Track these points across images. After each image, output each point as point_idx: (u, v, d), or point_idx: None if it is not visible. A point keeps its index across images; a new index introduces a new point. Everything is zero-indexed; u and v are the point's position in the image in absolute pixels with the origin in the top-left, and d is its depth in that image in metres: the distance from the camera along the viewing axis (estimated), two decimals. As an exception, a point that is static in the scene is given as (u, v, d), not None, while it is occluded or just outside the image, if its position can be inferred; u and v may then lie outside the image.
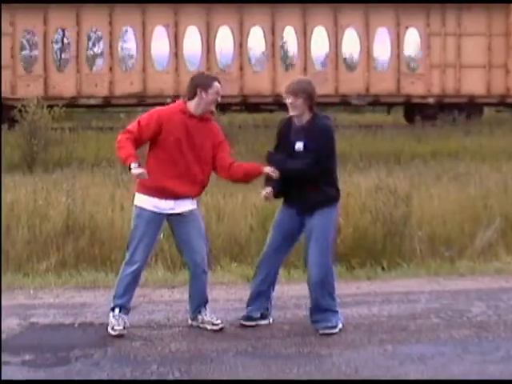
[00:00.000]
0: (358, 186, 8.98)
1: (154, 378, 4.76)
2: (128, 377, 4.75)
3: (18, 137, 16.35)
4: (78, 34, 23.01)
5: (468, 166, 13.68)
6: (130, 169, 5.32)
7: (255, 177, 5.74)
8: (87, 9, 22.67)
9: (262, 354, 5.15)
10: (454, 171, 12.55)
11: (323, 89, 22.02)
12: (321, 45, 25.39)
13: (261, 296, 5.80)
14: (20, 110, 16.15)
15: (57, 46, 29.98)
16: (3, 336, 5.50)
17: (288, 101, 5.59)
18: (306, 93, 5.55)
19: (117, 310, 5.62)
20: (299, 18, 23.52)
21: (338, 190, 5.72)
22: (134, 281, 5.66)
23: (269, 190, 5.67)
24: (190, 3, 22.94)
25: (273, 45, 23.68)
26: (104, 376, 4.77)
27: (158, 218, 5.57)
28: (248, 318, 5.78)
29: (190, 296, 5.79)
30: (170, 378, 4.75)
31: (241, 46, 23.48)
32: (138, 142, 5.47)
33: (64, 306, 6.33)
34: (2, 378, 4.71)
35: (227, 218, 8.52)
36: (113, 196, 9.28)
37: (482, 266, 7.72)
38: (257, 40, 24.92)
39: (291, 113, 5.63)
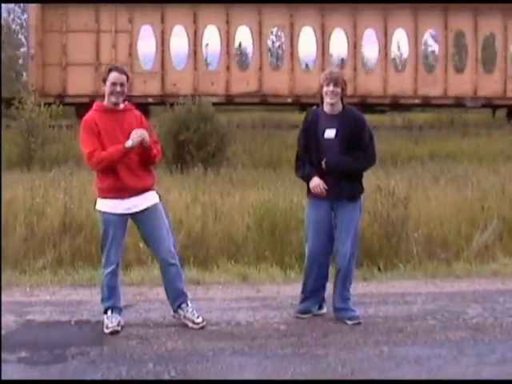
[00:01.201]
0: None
1: (149, 376, 4.76)
2: (124, 375, 4.75)
3: (16, 134, 16.34)
4: (196, 32, 23.24)
5: (465, 167, 13.69)
6: (131, 147, 5.42)
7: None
8: (204, 7, 23.02)
9: (258, 354, 5.15)
10: (451, 173, 12.55)
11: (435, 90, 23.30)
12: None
13: (316, 291, 5.98)
14: (17, 108, 16.14)
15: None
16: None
17: (329, 88, 5.75)
18: (343, 83, 5.81)
19: (109, 312, 5.67)
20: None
21: (362, 183, 5.95)
22: (114, 281, 5.72)
23: (320, 180, 5.78)
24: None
25: (385, 47, 23.97)
26: (99, 374, 4.76)
27: (124, 218, 5.63)
28: (306, 311, 5.99)
29: (165, 291, 5.85)
30: (166, 376, 4.75)
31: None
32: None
33: (60, 304, 6.32)
34: (2, 377, 4.70)
35: (224, 217, 8.51)
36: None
37: (478, 268, 7.72)
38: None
39: (330, 100, 5.78)
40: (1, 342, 5.28)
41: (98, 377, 4.73)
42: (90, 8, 22.31)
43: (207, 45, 25.49)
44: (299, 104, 23.65)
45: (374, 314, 6.12)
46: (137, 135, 5.44)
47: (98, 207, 5.68)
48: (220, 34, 23.37)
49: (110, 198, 5.57)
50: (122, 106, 5.65)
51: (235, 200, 9.16)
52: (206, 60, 25.45)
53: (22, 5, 30.78)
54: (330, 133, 5.78)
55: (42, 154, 15.60)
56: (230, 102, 23.59)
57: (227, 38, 23.42)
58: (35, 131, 16.00)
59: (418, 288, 7.01)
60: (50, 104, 16.78)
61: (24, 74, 26.18)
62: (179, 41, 24.32)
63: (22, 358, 5.00)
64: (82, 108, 21.85)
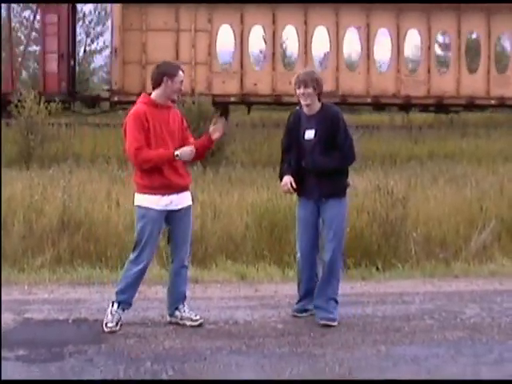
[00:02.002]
0: (354, 187, 8.97)
1: (147, 375, 4.76)
2: (121, 374, 4.75)
3: (15, 132, 16.32)
4: (274, 33, 23.34)
5: (464, 167, 13.71)
6: (177, 156, 5.47)
7: (209, 146, 5.85)
8: (282, 8, 23.07)
9: (256, 353, 5.15)
10: (450, 173, 12.58)
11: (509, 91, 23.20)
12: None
13: (312, 290, 5.95)
14: (16, 106, 16.13)
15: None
16: (-3, 331, 5.52)
17: (300, 91, 5.77)
18: (315, 82, 5.76)
19: (116, 305, 5.63)
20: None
21: (347, 180, 5.94)
22: (140, 279, 5.70)
23: (290, 179, 5.78)
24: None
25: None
26: (97, 372, 4.77)
27: (163, 215, 5.61)
28: (303, 310, 5.98)
29: (169, 291, 5.84)
30: (164, 375, 4.75)
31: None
32: (150, 147, 5.52)
33: (58, 302, 6.32)
34: (2, 377, 4.71)
35: (223, 216, 8.52)
36: (109, 192, 9.30)
37: (476, 268, 7.73)
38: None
39: (304, 102, 5.81)
40: (0, 341, 5.27)
41: (95, 375, 4.74)
42: (170, 7, 22.52)
43: (284, 45, 25.63)
44: (379, 104, 24.15)
45: (371, 313, 6.13)
46: (188, 155, 5.52)
47: (138, 202, 5.65)
48: (298, 35, 23.55)
49: (152, 193, 5.55)
50: (168, 102, 5.67)
51: (234, 199, 9.17)
52: (284, 60, 25.57)
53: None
54: (309, 134, 5.82)
55: (41, 152, 15.58)
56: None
57: (305, 39, 23.54)
58: (34, 129, 15.98)
59: (416, 288, 7.01)
60: (49, 102, 16.75)
61: (23, 71, 26.25)
62: (257, 40, 24.88)
63: (20, 356, 5.00)
64: None
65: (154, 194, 5.56)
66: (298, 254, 6.00)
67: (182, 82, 5.66)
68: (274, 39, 23.43)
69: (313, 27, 23.36)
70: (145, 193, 5.59)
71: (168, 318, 5.80)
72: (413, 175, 11.53)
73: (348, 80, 23.17)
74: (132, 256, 5.68)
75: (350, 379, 4.79)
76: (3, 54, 26.85)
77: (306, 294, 5.98)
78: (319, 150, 5.77)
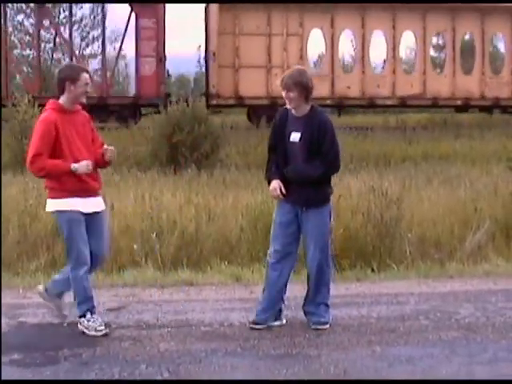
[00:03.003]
0: (348, 188, 9.00)
1: (142, 377, 4.75)
2: (116, 377, 4.74)
3: (8, 136, 16.29)
4: (363, 36, 23.91)
5: (458, 168, 13.74)
6: (74, 171, 5.41)
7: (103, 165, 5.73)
8: (371, 13, 23.63)
9: (251, 355, 5.15)
10: (444, 174, 12.60)
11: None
12: None
13: (276, 301, 5.78)
14: (11, 110, 16.10)
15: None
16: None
17: (284, 95, 5.61)
18: (299, 85, 5.54)
19: (88, 315, 5.56)
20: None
21: (331, 188, 5.77)
22: (88, 281, 5.64)
23: (279, 184, 5.64)
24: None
25: None
26: (92, 376, 4.76)
27: (83, 217, 5.56)
28: (262, 323, 5.73)
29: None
30: (159, 377, 4.75)
31: None
32: (51, 156, 5.46)
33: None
34: (2, 377, 4.71)
35: (217, 219, 8.51)
36: (103, 196, 9.24)
37: (471, 269, 7.74)
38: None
39: (288, 106, 5.64)
40: (1, 343, 5.28)
41: (90, 378, 4.72)
42: (262, 11, 23.03)
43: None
44: (468, 107, 24.74)
45: (366, 314, 6.13)
46: (85, 169, 5.44)
47: (57, 207, 5.53)
48: (386, 39, 24.07)
49: (69, 196, 5.48)
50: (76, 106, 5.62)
51: (228, 201, 9.17)
52: (371, 63, 25.99)
53: (15, 5, 30.72)
54: (294, 136, 5.60)
55: (35, 156, 15.53)
56: (402, 104, 24.42)
57: (393, 43, 24.06)
58: (28, 133, 15.93)
59: (410, 288, 7.02)
60: (43, 105, 16.75)
61: (17, 75, 26.24)
62: (347, 44, 25.66)
63: (15, 360, 4.99)
64: (255, 109, 22.79)
65: (72, 196, 5.49)
66: (270, 260, 5.79)
67: (87, 84, 5.53)
68: (363, 43, 23.99)
69: (400, 32, 24.20)
70: (62, 197, 5.49)
71: (45, 296, 5.92)
72: (407, 176, 11.55)
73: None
74: (71, 264, 5.59)
75: (346, 380, 4.79)
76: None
77: (269, 304, 5.74)
78: (303, 155, 5.57)
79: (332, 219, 5.89)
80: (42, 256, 7.63)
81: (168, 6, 23.36)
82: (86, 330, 5.51)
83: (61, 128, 5.43)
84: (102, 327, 5.52)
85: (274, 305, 5.77)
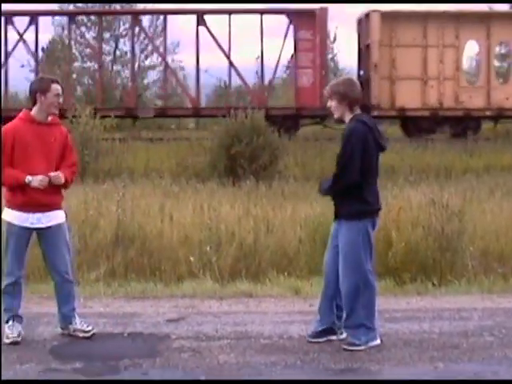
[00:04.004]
0: (408, 201, 8.88)
1: (202, 389, 4.74)
2: (176, 388, 4.73)
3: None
4: None
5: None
6: (27, 183, 5.41)
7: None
8: None
9: (311, 368, 5.09)
10: (507, 186, 12.33)
11: None
12: None
13: (328, 312, 5.66)
14: (71, 121, 16.39)
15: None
16: (54, 343, 5.56)
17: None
18: (338, 94, 5.49)
19: (10, 322, 5.60)
20: None
21: (366, 203, 5.48)
22: (15, 291, 5.63)
23: None
24: None
25: None
26: (152, 386, 4.77)
27: (28, 232, 5.57)
28: (317, 336, 5.67)
29: (58, 306, 5.78)
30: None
31: None
32: (11, 164, 5.48)
33: (113, 316, 6.36)
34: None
35: (276, 230, 8.48)
36: (162, 206, 9.34)
37: (536, 284, 7.53)
38: None
39: (334, 115, 5.63)
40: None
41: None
42: (419, 23, 23.37)
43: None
44: None
45: (428, 329, 6.00)
46: (38, 182, 5.43)
47: (4, 216, 5.60)
48: None
49: (16, 209, 5.52)
50: (49, 118, 5.63)
51: (287, 213, 9.14)
52: None
53: (77, 18, 31.31)
54: None
55: (95, 167, 15.79)
56: None
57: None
58: (89, 144, 16.21)
59: (473, 303, 6.86)
60: (104, 117, 17.02)
61: (78, 88, 26.79)
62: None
63: (77, 369, 5.03)
64: (413, 121, 23.17)
65: (18, 210, 5.51)
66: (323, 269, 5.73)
67: (57, 95, 5.54)
68: None
69: None
70: (9, 207, 5.54)
71: (60, 331, 5.78)
72: (468, 188, 11.32)
73: None
74: (3, 271, 5.63)
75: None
76: (57, 71, 27.36)
77: (323, 315, 5.64)
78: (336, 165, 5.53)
79: (370, 238, 5.53)
80: (102, 265, 7.71)
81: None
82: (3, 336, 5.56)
83: (20, 137, 5.48)
84: (14, 335, 5.52)
85: (327, 315, 5.67)
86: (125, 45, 27.84)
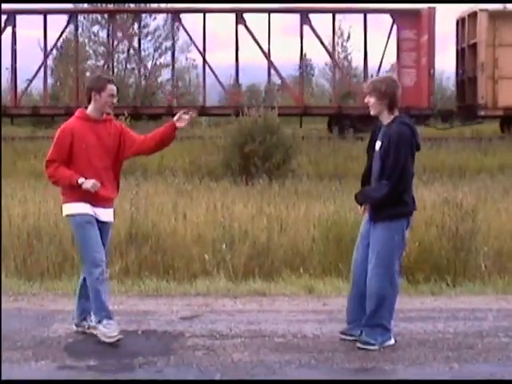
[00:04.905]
0: (422, 200, 8.84)
1: (216, 388, 4.74)
2: (190, 386, 4.74)
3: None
4: None
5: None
6: (79, 186, 5.44)
7: (171, 134, 5.74)
8: None
9: (325, 367, 5.08)
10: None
11: None
12: None
13: (357, 311, 5.63)
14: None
15: None
16: (69, 340, 5.58)
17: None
18: (378, 91, 5.44)
19: (105, 321, 5.53)
20: None
21: (404, 205, 5.48)
22: (106, 284, 5.64)
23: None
24: None
25: None
26: (167, 384, 4.78)
27: (94, 220, 5.57)
28: (347, 333, 5.67)
29: (79, 301, 5.76)
30: (233, 388, 4.73)
31: None
32: (66, 164, 5.53)
33: (127, 313, 6.37)
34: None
35: (289, 229, 8.48)
36: (176, 205, 9.36)
37: (551, 284, 7.49)
38: None
39: (371, 112, 5.58)
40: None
41: (164, 387, 4.75)
42: None
43: None
44: None
45: (443, 329, 5.98)
46: (90, 185, 5.43)
47: (69, 211, 5.59)
48: None
49: (79, 201, 5.52)
50: (104, 115, 5.68)
51: (300, 212, 9.12)
52: None
53: (90, 17, 31.40)
54: (377, 145, 5.51)
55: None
56: None
57: None
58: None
59: (488, 304, 6.83)
60: (116, 116, 17.07)
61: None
62: None
63: (91, 366, 5.05)
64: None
65: (81, 201, 5.52)
66: (352, 269, 5.71)
67: (112, 95, 5.60)
68: None
69: None
70: (73, 201, 5.54)
71: (75, 328, 5.76)
72: (483, 188, 11.28)
73: None
74: (86, 268, 5.57)
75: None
76: (71, 69, 27.48)
77: (352, 314, 5.64)
78: (379, 165, 5.42)
79: (405, 238, 5.59)
80: (116, 263, 7.72)
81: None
82: (101, 337, 5.50)
83: (79, 135, 5.53)
84: (115, 333, 5.48)
85: (356, 314, 5.65)
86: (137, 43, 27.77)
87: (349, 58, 37.28)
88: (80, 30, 27.07)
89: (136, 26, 28.34)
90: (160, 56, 34.32)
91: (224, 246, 7.78)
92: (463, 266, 7.80)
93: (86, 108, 5.71)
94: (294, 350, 5.42)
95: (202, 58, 24.27)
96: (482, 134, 23.56)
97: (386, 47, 24.44)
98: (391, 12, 24.10)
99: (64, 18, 24.34)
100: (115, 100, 5.67)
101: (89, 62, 31.70)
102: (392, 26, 24.14)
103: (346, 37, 37.05)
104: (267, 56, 23.88)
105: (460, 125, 24.93)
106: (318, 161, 17.06)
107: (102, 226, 5.63)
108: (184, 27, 24.69)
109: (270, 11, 24.01)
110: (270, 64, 23.98)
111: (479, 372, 5.01)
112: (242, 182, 13.37)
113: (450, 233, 7.95)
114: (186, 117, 5.71)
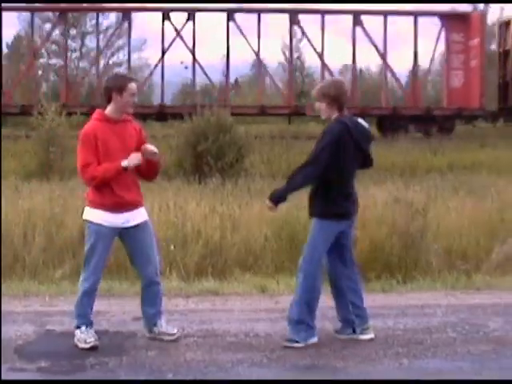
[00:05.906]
0: (373, 199, 8.95)
1: (168, 387, 4.74)
2: (143, 386, 4.73)
3: (35, 144, 16.42)
4: None
5: (484, 179, 13.62)
6: (126, 169, 5.33)
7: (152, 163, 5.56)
8: None
9: (277, 366, 5.12)
10: (470, 184, 12.48)
11: None
12: None
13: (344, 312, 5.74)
14: (37, 118, 16.26)
15: None
16: (19, 342, 5.52)
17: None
18: (327, 97, 5.49)
19: (84, 327, 5.46)
20: None
21: (334, 204, 5.50)
22: (94, 296, 5.55)
23: None
24: None
25: None
26: (119, 385, 4.76)
27: (115, 232, 5.47)
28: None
29: (143, 309, 5.66)
30: (185, 387, 4.73)
31: None
32: (99, 163, 5.39)
33: (79, 314, 6.30)
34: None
35: (242, 228, 8.49)
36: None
37: (498, 281, 7.66)
38: None
39: (321, 116, 5.62)
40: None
41: (117, 387, 4.73)
42: None
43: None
44: None
45: (393, 326, 6.08)
46: (136, 159, 5.36)
47: (89, 217, 5.46)
48: None
49: (105, 210, 5.38)
50: (123, 116, 5.52)
51: (253, 211, 9.14)
52: None
53: (43, 14, 31.00)
54: None
55: (61, 164, 15.66)
56: None
57: None
58: (55, 141, 16.08)
59: (437, 300, 6.95)
60: (70, 114, 16.91)
61: (44, 84, 26.54)
62: None
63: (42, 368, 5.00)
64: None
65: (107, 211, 5.38)
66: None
67: (133, 94, 5.41)
68: None
69: None
70: (97, 208, 5.40)
71: (147, 334, 5.67)
72: (432, 187, 11.43)
73: None
74: (84, 274, 5.49)
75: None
76: (22, 67, 27.12)
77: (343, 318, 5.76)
78: None
79: (347, 243, 5.68)
80: (68, 263, 7.65)
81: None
82: (77, 342, 5.42)
83: (101, 137, 5.36)
84: (92, 339, 5.40)
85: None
86: (91, 41, 27.61)
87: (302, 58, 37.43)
88: (31, 27, 26.68)
89: (88, 24, 28.10)
90: (113, 55, 34.05)
91: (172, 247, 7.75)
92: (414, 264, 7.93)
93: (93, 108, 5.53)
94: (247, 349, 5.44)
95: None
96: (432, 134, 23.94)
97: (435, 49, 25.08)
98: (440, 15, 24.72)
99: (15, 15, 24.03)
100: (136, 99, 5.47)
101: (41, 61, 31.29)
102: (441, 29, 24.69)
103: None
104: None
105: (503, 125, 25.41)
106: (271, 160, 17.11)
107: (136, 229, 5.47)
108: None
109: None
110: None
111: (428, 367, 5.10)
112: (195, 181, 13.34)
113: (400, 231, 8.06)
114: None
